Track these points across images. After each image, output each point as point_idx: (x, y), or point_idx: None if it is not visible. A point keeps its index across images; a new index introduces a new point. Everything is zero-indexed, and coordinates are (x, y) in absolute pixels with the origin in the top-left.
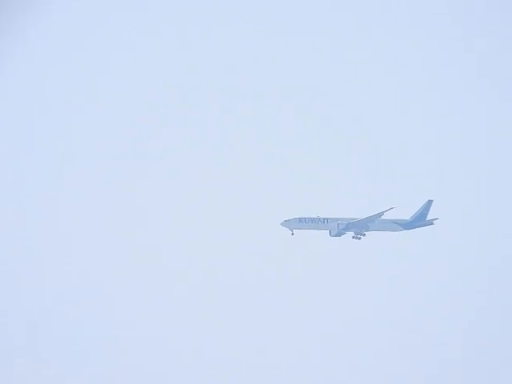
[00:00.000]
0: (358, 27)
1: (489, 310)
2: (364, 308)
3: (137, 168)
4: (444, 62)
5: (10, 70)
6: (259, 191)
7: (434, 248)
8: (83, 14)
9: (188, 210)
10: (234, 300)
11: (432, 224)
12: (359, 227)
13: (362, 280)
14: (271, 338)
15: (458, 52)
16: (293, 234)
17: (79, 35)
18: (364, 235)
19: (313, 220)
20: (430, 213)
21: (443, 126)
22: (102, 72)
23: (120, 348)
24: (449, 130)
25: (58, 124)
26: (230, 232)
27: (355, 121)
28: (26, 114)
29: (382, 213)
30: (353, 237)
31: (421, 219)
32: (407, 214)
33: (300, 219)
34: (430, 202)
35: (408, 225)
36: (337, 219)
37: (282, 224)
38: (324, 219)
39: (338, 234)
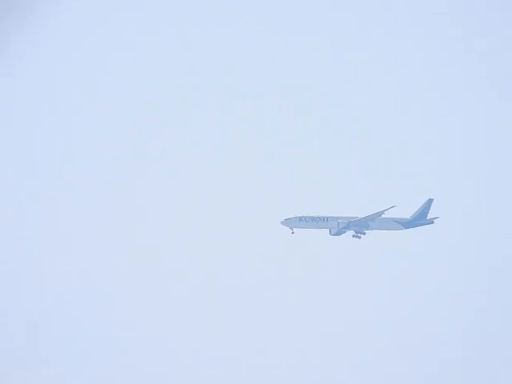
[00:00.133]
0: (358, 27)
1: (489, 309)
2: (364, 307)
3: (137, 168)
4: (444, 61)
5: (9, 70)
6: (259, 190)
7: (434, 247)
8: (83, 14)
9: (188, 210)
10: (235, 299)
11: (432, 223)
12: (359, 226)
13: (362, 279)
14: (271, 337)
15: (458, 52)
16: (293, 232)
17: (79, 35)
18: (364, 234)
19: (313, 219)
20: (430, 211)
21: (443, 126)
22: (102, 72)
23: (120, 348)
24: (449, 130)
25: (58, 124)
26: (230, 231)
27: (355, 121)
28: (26, 114)
29: (383, 211)
30: (353, 235)
31: (421, 218)
32: (407, 213)
33: (300, 218)
34: (430, 201)
35: (408, 223)
36: (337, 218)
37: (282, 223)
38: (324, 218)
39: (339, 233)
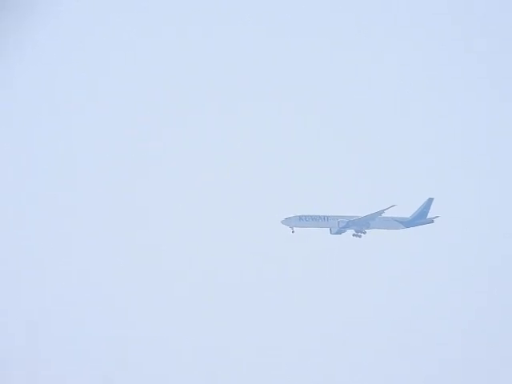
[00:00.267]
0: (358, 27)
1: (489, 309)
2: (364, 306)
3: (137, 168)
4: (444, 61)
5: (9, 71)
6: (260, 189)
7: (434, 246)
8: (83, 14)
9: (188, 210)
10: (235, 298)
11: (432, 222)
12: (360, 225)
13: (362, 278)
14: (271, 336)
15: (458, 52)
16: (293, 231)
17: (79, 35)
18: (364, 233)
19: (313, 218)
20: (430, 211)
21: (443, 126)
22: (102, 72)
23: (120, 348)
24: (449, 130)
25: (58, 124)
26: (230, 230)
27: (355, 121)
28: (26, 114)
29: (383, 211)
30: (353, 235)
31: (421, 217)
32: (408, 212)
33: (300, 217)
34: (430, 200)
35: (408, 223)
36: (337, 217)
37: (282, 222)
38: (324, 217)
39: (339, 232)
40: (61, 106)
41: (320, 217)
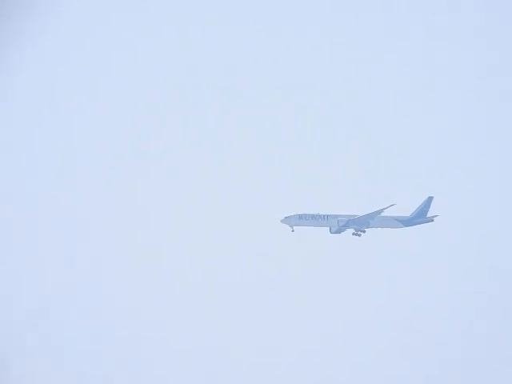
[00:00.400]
0: (357, 27)
1: (489, 309)
2: (364, 305)
3: (137, 168)
4: (444, 62)
5: (8, 71)
6: (259, 188)
7: (433, 245)
8: (83, 14)
9: (188, 209)
10: (235, 297)
11: (432, 221)
12: (359, 224)
13: (362, 277)
14: (271, 335)
15: (458, 52)
16: (293, 230)
17: (79, 35)
18: (364, 232)
19: (313, 217)
20: (430, 210)
21: (443, 126)
22: (102, 72)
23: (120, 348)
24: (448, 130)
25: (58, 124)
26: (230, 229)
27: (355, 120)
28: (26, 114)
29: (383, 210)
30: (353, 233)
31: (421, 216)
32: (407, 211)
33: (300, 216)
34: (430, 199)
35: (408, 221)
36: (337, 216)
37: (282, 221)
38: (324, 216)
39: (339, 231)
40: (61, 106)
41: (320, 216)
